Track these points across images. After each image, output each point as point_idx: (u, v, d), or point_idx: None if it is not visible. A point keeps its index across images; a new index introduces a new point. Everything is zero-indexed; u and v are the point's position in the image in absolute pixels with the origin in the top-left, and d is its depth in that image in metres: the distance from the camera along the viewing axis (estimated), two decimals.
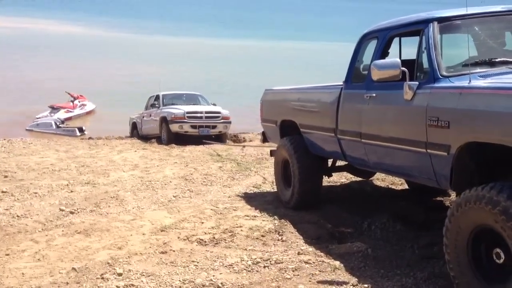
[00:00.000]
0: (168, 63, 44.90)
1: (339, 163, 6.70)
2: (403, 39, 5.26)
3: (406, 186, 7.31)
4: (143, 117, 17.68)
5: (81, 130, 19.89)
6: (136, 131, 18.24)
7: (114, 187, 8.27)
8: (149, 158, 11.61)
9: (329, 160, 6.74)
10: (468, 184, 3.67)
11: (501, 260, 3.43)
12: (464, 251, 3.64)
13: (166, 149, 13.77)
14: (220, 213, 6.52)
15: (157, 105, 16.99)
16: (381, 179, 7.81)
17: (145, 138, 16.91)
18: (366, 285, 4.14)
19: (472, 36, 4.59)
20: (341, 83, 5.64)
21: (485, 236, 3.53)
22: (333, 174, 7.05)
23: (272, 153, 7.49)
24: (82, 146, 14.11)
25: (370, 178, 7.51)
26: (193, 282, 4.30)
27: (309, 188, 6.39)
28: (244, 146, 13.55)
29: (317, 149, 6.26)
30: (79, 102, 24.00)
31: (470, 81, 3.80)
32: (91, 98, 25.76)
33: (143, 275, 4.47)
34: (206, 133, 15.68)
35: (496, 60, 4.19)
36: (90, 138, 17.32)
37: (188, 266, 4.68)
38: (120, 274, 4.48)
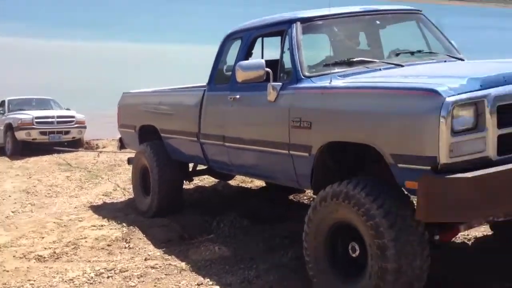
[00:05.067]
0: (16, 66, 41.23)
1: (200, 166, 6.56)
2: (267, 39, 5.20)
3: (257, 184, 7.50)
4: None
5: None
6: None
7: None
8: None
9: (190, 164, 6.57)
10: (328, 184, 3.68)
11: (356, 253, 3.53)
12: (322, 250, 3.69)
13: (7, 160, 12.74)
14: (64, 225, 6.15)
15: (1, 112, 15.52)
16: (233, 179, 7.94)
17: None
18: (211, 283, 4.17)
19: (333, 36, 4.68)
20: (204, 85, 5.49)
21: (342, 231, 3.61)
22: (193, 178, 6.92)
23: (129, 160, 7.12)
24: None
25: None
26: None
27: (169, 195, 6.15)
28: (100, 152, 12.96)
29: (179, 154, 6.05)
30: None
31: (331, 81, 3.87)
32: None
33: None
34: (58, 140, 14.38)
35: (354, 60, 4.25)
36: None
37: (23, 286, 4.34)
38: None
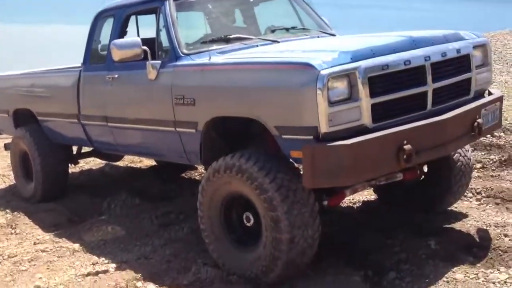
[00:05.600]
0: None
1: (85, 149, 6.43)
2: (142, 17, 5.15)
3: (146, 164, 7.49)
4: None
5: None
6: None
7: None
8: None
9: (74, 147, 6.43)
10: (217, 158, 3.76)
11: (251, 223, 3.66)
12: (217, 219, 3.80)
13: None
14: None
15: None
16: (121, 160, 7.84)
17: None
18: (106, 261, 4.19)
19: (208, 14, 4.74)
20: (80, 65, 5.35)
21: (236, 202, 3.73)
22: (79, 161, 6.75)
23: (6, 146, 6.80)
24: None
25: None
26: None
27: (53, 179, 5.99)
28: None
29: (59, 137, 5.89)
30: None
31: (210, 58, 3.95)
32: None
33: None
34: None
35: (231, 36, 4.37)
36: None
37: None
38: None
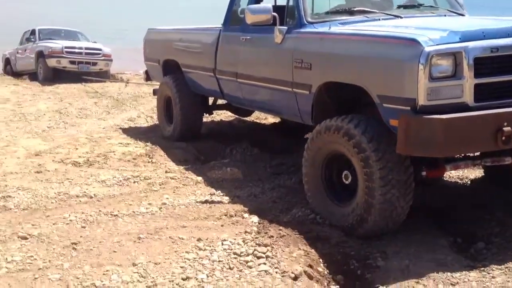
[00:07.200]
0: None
1: (219, 102, 7.21)
2: None
3: (271, 121, 8.11)
4: (17, 52, 16.77)
5: None
6: (9, 67, 17.31)
7: None
8: (21, 93, 11.41)
9: (210, 98, 7.18)
10: (326, 119, 4.06)
11: (349, 180, 4.00)
12: (318, 174, 4.16)
13: (38, 85, 13.48)
14: (95, 141, 6.90)
15: (33, 40, 16.13)
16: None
17: (18, 75, 16.23)
18: (222, 194, 4.87)
19: None
20: (220, 26, 6.02)
21: (336, 160, 4.05)
22: (213, 112, 7.55)
23: (155, 91, 7.71)
24: None
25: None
26: (67, 193, 4.76)
27: (190, 124, 6.81)
28: (127, 83, 13.64)
29: (198, 88, 6.65)
30: None
31: (330, 27, 4.37)
32: None
33: (20, 189, 4.83)
34: (86, 70, 15.03)
35: (355, 9, 4.68)
36: None
37: (63, 182, 5.10)
38: None
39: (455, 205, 4.46)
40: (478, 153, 4.06)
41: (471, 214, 4.24)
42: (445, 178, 5.15)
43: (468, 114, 3.43)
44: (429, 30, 3.72)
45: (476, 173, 5.25)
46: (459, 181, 5.25)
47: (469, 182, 5.20)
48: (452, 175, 5.24)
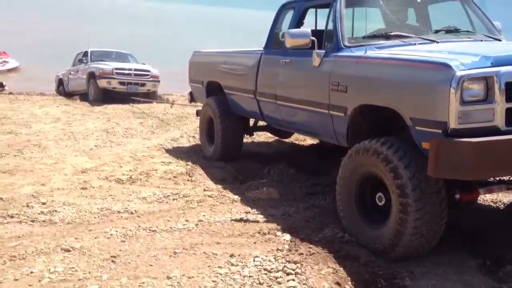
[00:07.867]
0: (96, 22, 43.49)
1: (260, 123, 7.36)
2: (322, 11, 5.73)
3: (308, 142, 8.23)
4: (70, 73, 17.51)
5: (0, 85, 19.53)
6: (62, 88, 18.11)
7: (36, 137, 8.68)
8: (71, 113, 11.94)
9: (251, 120, 7.35)
10: (361, 141, 4.15)
11: (382, 202, 4.03)
12: (352, 194, 4.23)
13: (88, 106, 14.06)
14: (138, 159, 7.17)
15: (85, 61, 16.80)
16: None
17: (70, 95, 16.95)
18: (257, 212, 4.99)
19: (381, 10, 5.19)
20: (262, 49, 6.23)
21: (370, 181, 4.11)
22: (254, 133, 7.73)
23: (198, 112, 7.95)
24: (1, 100, 14.12)
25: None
26: (110, 209, 4.99)
27: (230, 145, 7.00)
28: (173, 104, 14.05)
29: (239, 109, 6.84)
30: (0, 58, 23.33)
31: (366, 51, 4.47)
32: (16, 55, 24.96)
33: (65, 204, 5.10)
34: (135, 90, 15.64)
35: (391, 34, 4.79)
36: (10, 93, 17.16)
37: (106, 198, 5.35)
38: (44, 203, 5.09)
39: (487, 228, 4.44)
40: None
41: (503, 237, 4.23)
42: (479, 201, 5.11)
43: (498, 138, 3.44)
44: (462, 55, 3.76)
45: (510, 197, 5.19)
46: (492, 205, 5.21)
47: (502, 205, 5.15)
48: (486, 198, 5.20)
